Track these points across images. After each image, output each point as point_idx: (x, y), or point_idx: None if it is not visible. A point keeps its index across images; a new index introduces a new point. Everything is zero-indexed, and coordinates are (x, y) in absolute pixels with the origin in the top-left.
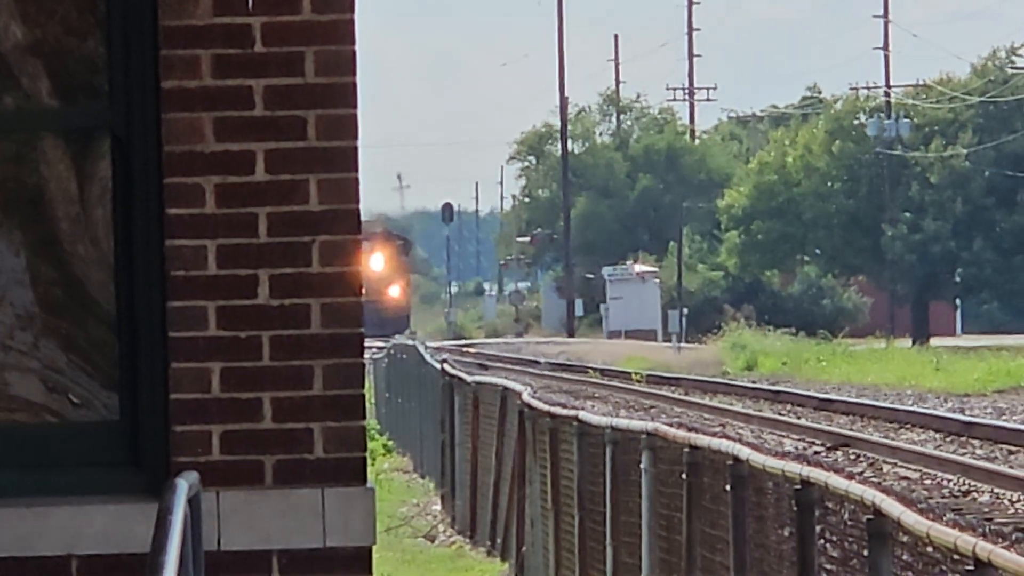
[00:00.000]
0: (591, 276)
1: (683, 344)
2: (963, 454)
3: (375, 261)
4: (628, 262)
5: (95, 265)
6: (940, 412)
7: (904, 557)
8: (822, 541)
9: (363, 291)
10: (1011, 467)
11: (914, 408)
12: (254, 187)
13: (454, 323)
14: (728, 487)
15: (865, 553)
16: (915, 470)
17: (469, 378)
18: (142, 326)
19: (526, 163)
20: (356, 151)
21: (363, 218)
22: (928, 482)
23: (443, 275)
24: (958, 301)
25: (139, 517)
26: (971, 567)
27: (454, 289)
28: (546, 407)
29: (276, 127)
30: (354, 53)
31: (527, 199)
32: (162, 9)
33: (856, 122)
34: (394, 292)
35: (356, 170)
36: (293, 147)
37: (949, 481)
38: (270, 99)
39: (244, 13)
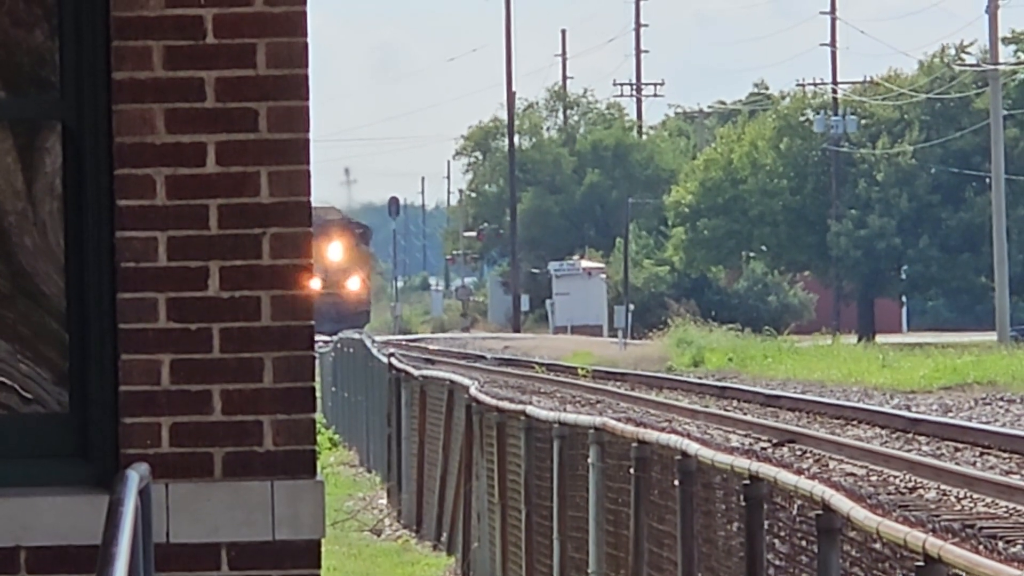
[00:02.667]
0: (537, 271)
1: (629, 340)
2: (909, 450)
3: (333, 250)
4: (574, 257)
5: (44, 256)
6: (886, 409)
7: (853, 553)
8: (770, 536)
9: (322, 283)
10: (957, 464)
11: (860, 405)
12: (205, 179)
13: (400, 318)
14: (676, 482)
15: (814, 549)
16: (861, 466)
17: (416, 372)
18: (92, 318)
19: (473, 158)
20: (307, 143)
21: (319, 204)
22: (874, 478)
23: (389, 269)
24: (904, 298)
25: (88, 509)
26: (921, 563)
27: (400, 284)
28: (494, 401)
29: (227, 119)
30: (306, 45)
31: (474, 194)
32: (114, 0)
33: (803, 119)
34: (353, 284)
35: (307, 162)
36: (244, 139)
37: (895, 477)
38: (221, 91)
39: (196, 5)
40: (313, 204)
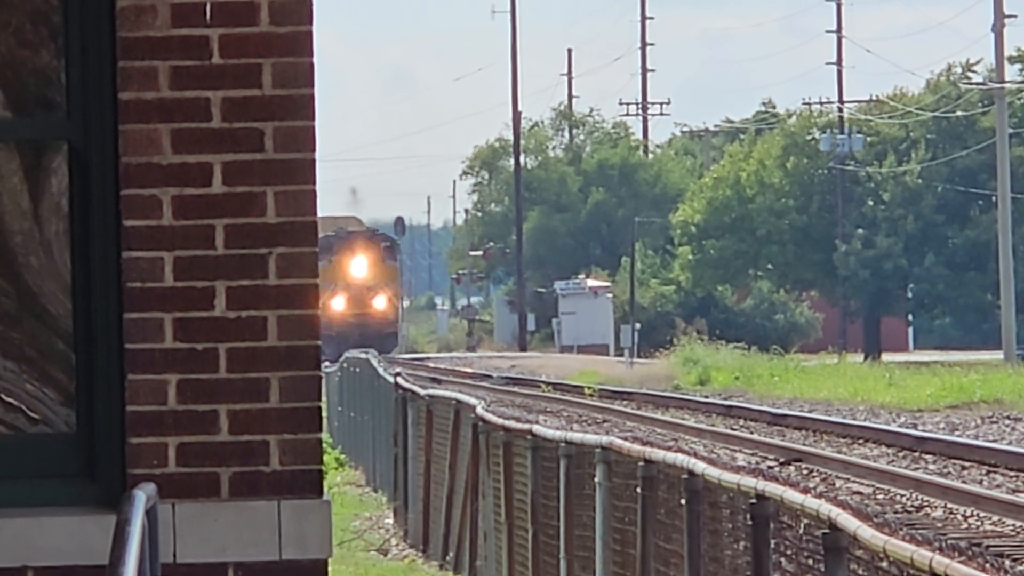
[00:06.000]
0: (543, 290)
1: (635, 359)
2: (916, 469)
3: (356, 266)
4: (580, 277)
5: (51, 277)
6: (893, 427)
7: (860, 571)
8: (777, 555)
9: (346, 302)
10: (964, 482)
11: (867, 423)
12: (211, 199)
13: (406, 337)
14: (683, 501)
15: (821, 568)
16: (868, 485)
17: (422, 391)
18: (98, 338)
19: (479, 178)
20: (313, 163)
21: (339, 215)
22: (881, 497)
23: None
24: (910, 316)
25: (94, 529)
26: None
27: (406, 303)
28: (500, 421)
29: (233, 139)
30: (312, 65)
31: (480, 213)
32: (120, 20)
33: (809, 137)
34: (379, 303)
35: (313, 182)
36: (250, 159)
37: (902, 496)
38: (228, 111)
39: (202, 25)
40: (334, 215)
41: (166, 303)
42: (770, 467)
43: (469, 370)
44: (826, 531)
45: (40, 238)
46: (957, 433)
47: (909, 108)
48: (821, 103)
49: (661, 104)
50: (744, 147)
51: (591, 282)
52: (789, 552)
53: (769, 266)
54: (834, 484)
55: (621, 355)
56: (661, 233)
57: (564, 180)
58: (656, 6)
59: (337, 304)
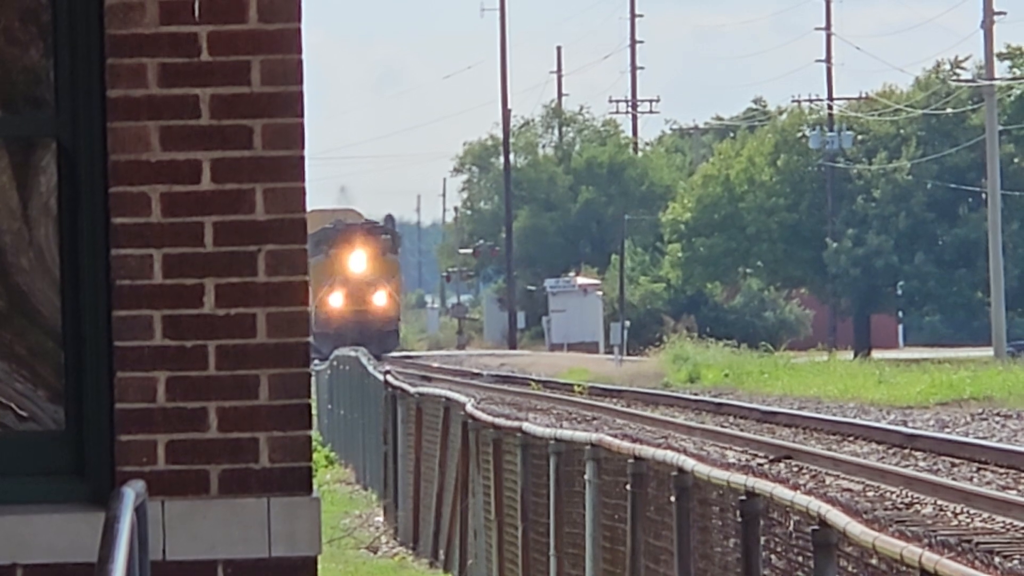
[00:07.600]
0: (533, 288)
1: (625, 356)
2: (906, 466)
3: (355, 260)
4: (570, 274)
5: (39, 275)
6: (883, 424)
7: (850, 568)
8: (767, 552)
9: (344, 299)
10: (954, 479)
11: (857, 420)
12: (200, 196)
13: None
14: (673, 498)
15: (810, 564)
16: (858, 482)
17: (412, 389)
18: (87, 335)
19: (469, 176)
20: (302, 160)
21: (337, 208)
22: (871, 494)
23: None
24: (900, 314)
25: (84, 526)
26: None
27: None
28: (490, 418)
29: (222, 136)
30: (300, 62)
31: (470, 211)
32: (108, 18)
33: (800, 135)
34: (380, 300)
35: (302, 179)
36: (239, 156)
37: (892, 493)
38: (216, 108)
39: (190, 22)
40: (332, 208)
41: (155, 300)
42: (760, 464)
43: (459, 368)
44: (816, 527)
45: (28, 236)
46: (947, 430)
47: (899, 105)
48: (811, 100)
49: (651, 102)
50: (734, 145)
51: (581, 280)
52: (779, 549)
53: (759, 263)
54: (824, 481)
55: (611, 353)
56: (651, 231)
57: (554, 178)
58: (646, 3)
59: (335, 300)
